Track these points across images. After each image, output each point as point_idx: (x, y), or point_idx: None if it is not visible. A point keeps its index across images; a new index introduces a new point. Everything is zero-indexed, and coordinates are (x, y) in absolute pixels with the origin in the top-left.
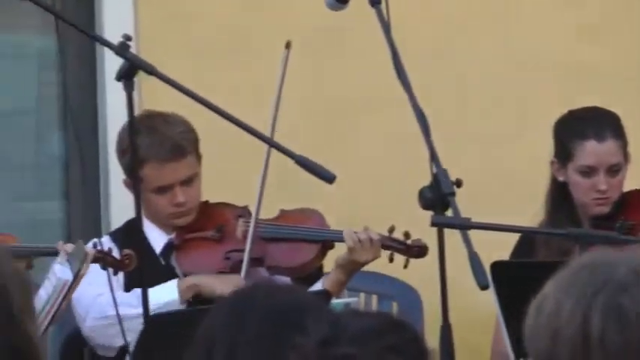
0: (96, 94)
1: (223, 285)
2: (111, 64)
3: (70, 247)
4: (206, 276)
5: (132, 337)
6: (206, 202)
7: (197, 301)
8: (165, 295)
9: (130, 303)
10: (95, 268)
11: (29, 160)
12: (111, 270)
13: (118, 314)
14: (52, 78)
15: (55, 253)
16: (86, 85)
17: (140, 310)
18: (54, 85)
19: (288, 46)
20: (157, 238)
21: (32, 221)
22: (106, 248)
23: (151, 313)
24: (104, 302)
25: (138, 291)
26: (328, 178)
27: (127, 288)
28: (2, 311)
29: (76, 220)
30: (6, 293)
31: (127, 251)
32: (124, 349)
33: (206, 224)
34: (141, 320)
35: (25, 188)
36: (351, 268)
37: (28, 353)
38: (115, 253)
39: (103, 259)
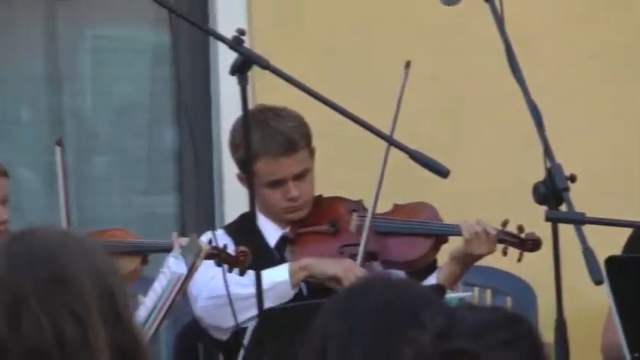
0: (209, 89)
1: (335, 267)
2: (224, 58)
3: (184, 240)
4: (318, 258)
5: (242, 318)
6: (320, 197)
7: (310, 289)
8: (277, 275)
9: (242, 283)
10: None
11: (143, 154)
12: (226, 267)
13: (229, 294)
14: (166, 72)
15: (169, 249)
16: (199, 80)
17: (251, 290)
18: (167, 79)
19: (407, 65)
20: (272, 232)
21: (146, 215)
22: (221, 243)
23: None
24: (217, 283)
25: (251, 272)
26: (442, 172)
27: None
28: (111, 311)
29: (190, 214)
30: (112, 292)
31: (242, 248)
32: (237, 338)
33: (320, 218)
34: (252, 301)
35: (139, 182)
36: (465, 261)
37: (134, 352)
38: (230, 250)
39: (218, 255)
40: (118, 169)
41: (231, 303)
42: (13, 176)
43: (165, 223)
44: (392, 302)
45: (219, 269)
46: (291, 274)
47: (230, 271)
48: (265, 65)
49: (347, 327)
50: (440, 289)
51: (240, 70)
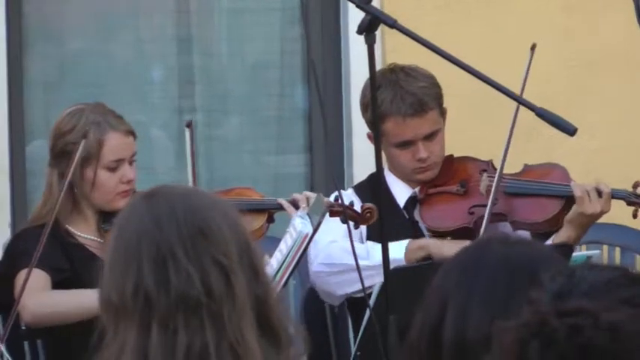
0: (339, 49)
1: (454, 248)
2: (354, 18)
3: (312, 194)
4: (436, 239)
5: (354, 289)
6: (450, 157)
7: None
8: (394, 251)
9: (359, 254)
10: (335, 218)
11: (273, 114)
12: (351, 224)
13: (357, 263)
14: (296, 32)
15: (296, 208)
16: (329, 39)
17: (366, 263)
18: (298, 39)
19: (533, 48)
20: (401, 191)
21: (275, 174)
22: (347, 202)
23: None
24: (334, 249)
25: (368, 244)
26: (569, 130)
27: (369, 240)
28: (248, 262)
29: (319, 174)
30: (248, 245)
31: (367, 205)
32: (363, 298)
33: (450, 179)
34: (367, 273)
35: (269, 142)
36: (578, 221)
37: (267, 302)
38: (357, 207)
39: (343, 212)
40: (248, 129)
41: (359, 270)
42: (143, 136)
43: (295, 182)
44: (510, 260)
45: (341, 231)
46: (408, 252)
47: (356, 227)
48: (392, 24)
49: (465, 284)
50: (567, 248)
51: (367, 29)
